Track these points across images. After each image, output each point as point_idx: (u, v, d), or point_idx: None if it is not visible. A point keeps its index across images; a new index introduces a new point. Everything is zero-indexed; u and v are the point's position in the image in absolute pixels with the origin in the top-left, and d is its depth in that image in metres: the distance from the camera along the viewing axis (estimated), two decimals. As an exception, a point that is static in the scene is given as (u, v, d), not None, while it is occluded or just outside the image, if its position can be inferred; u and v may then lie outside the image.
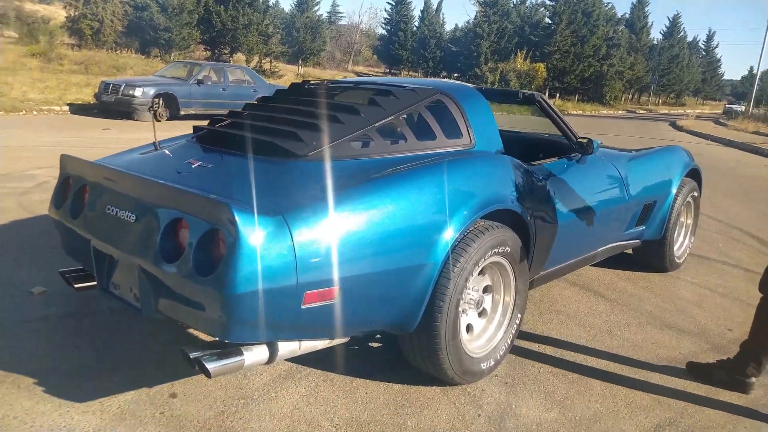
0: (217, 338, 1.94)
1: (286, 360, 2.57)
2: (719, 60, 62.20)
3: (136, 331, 2.81)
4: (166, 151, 2.69)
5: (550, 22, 39.34)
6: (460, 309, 2.32)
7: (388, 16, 48.13)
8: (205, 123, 3.07)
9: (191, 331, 2.81)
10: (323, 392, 2.40)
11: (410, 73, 48.16)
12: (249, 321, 1.84)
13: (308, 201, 1.98)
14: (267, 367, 2.54)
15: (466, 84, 3.04)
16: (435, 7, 47.73)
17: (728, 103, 49.71)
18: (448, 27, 50.75)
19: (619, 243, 3.71)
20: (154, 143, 2.82)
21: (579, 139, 3.30)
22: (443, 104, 2.70)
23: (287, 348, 2.08)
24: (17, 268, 3.50)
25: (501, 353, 2.61)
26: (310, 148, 2.30)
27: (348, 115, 2.48)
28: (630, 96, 51.28)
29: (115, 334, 2.77)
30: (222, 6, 30.62)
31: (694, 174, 4.31)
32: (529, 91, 3.24)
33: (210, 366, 1.88)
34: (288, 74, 34.12)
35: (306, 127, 2.43)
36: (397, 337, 2.44)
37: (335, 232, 1.95)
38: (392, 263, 2.09)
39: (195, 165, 2.37)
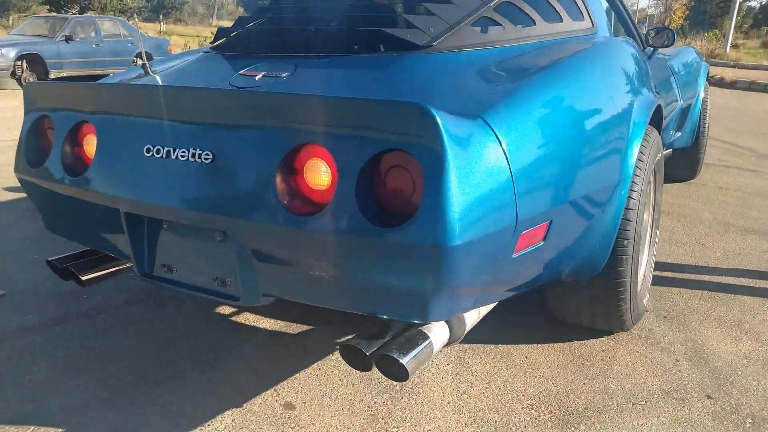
0: (404, 320, 1.28)
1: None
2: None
3: (178, 330, 2.02)
4: (184, 67, 1.88)
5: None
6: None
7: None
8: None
9: (240, 317, 2.08)
10: (477, 367, 1.81)
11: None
12: (459, 286, 1.19)
13: (491, 99, 1.32)
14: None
15: None
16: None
17: None
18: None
19: (667, 151, 3.38)
20: (143, 65, 1.96)
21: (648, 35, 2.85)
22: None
23: (470, 319, 1.46)
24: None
25: (650, 282, 2.14)
26: (429, 36, 1.62)
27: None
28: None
29: (140, 338, 1.96)
30: (62, -43, 26.95)
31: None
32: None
33: (405, 362, 1.22)
34: (149, 32, 31.15)
35: (410, 13, 1.75)
36: (546, 295, 1.89)
37: (538, 140, 1.33)
38: (590, 183, 1.50)
39: (258, 77, 1.60)
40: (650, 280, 2.14)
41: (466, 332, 1.42)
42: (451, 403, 1.63)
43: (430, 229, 1.08)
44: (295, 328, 2.00)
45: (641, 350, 1.90)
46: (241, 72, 1.64)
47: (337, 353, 1.85)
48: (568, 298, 1.84)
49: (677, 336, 1.99)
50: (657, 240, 2.24)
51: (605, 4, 2.29)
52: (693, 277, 2.48)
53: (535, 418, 1.57)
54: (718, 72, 12.74)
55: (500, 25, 1.76)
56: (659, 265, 2.55)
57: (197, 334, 1.96)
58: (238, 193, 1.26)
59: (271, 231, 1.24)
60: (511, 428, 1.52)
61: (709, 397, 1.66)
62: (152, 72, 1.86)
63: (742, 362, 1.84)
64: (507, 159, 1.20)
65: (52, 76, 10.52)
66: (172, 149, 1.35)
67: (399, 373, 1.22)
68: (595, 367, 1.80)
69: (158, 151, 1.37)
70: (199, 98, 1.35)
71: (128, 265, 1.78)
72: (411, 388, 1.69)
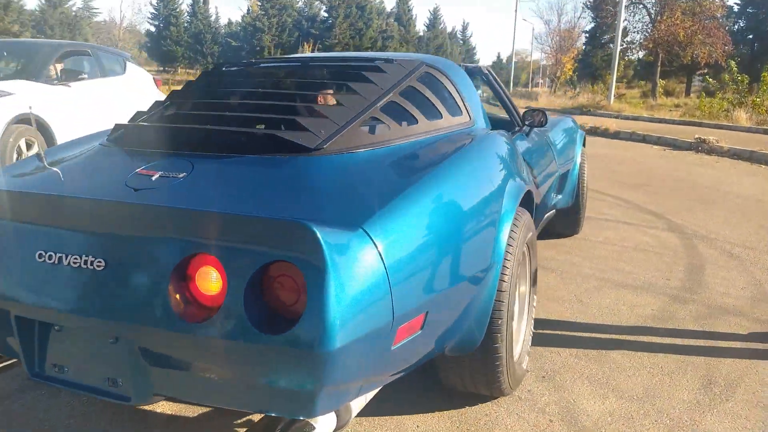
0: (293, 416, 1.36)
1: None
2: (474, 48, 69.43)
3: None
4: (82, 162, 1.90)
5: (327, 15, 40.10)
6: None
7: (155, 11, 44.86)
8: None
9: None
10: (366, 440, 1.90)
11: (187, 71, 45.59)
12: (342, 383, 1.31)
13: (373, 204, 1.47)
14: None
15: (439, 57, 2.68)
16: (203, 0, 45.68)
17: None
18: (223, 21, 49.03)
19: (551, 212, 3.70)
20: (38, 155, 1.99)
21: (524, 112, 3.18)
22: (433, 77, 2.29)
23: (356, 405, 1.57)
24: None
25: (529, 347, 2.34)
26: (321, 139, 1.73)
27: (345, 95, 1.96)
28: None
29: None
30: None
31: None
32: (473, 65, 3.02)
33: None
34: (47, 79, 29.78)
35: (301, 114, 1.88)
36: (437, 365, 2.03)
37: (414, 241, 1.47)
38: (463, 272, 1.66)
39: (155, 177, 1.64)
40: (530, 343, 2.35)
41: (352, 417, 1.52)
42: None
43: (310, 336, 1.18)
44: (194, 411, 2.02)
45: (520, 412, 2.06)
46: (137, 171, 1.67)
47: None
48: (453, 370, 1.98)
49: (552, 397, 2.18)
50: (535, 305, 2.45)
51: (477, 97, 2.53)
52: (570, 334, 2.72)
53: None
54: (603, 123, 13.95)
55: (386, 124, 1.93)
56: (540, 323, 2.76)
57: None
58: (129, 299, 1.32)
59: (163, 336, 1.30)
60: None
61: (577, 456, 1.84)
62: (48, 165, 1.87)
63: (606, 419, 2.04)
64: (383, 263, 1.33)
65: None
66: (64, 256, 1.39)
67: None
68: (478, 433, 1.95)
69: (50, 257, 1.40)
70: (90, 208, 1.40)
71: (12, 361, 1.75)
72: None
